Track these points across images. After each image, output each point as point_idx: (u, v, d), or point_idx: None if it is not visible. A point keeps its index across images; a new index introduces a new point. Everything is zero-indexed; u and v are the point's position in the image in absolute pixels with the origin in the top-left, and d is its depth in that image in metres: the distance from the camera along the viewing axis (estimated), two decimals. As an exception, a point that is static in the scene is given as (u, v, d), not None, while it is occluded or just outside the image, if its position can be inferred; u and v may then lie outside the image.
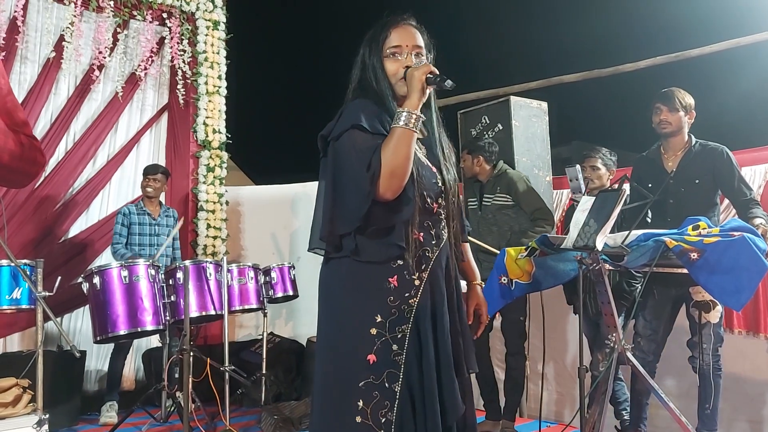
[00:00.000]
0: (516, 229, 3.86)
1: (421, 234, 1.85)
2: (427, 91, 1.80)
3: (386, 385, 1.74)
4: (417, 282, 1.82)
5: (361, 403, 1.73)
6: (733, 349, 3.52)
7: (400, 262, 1.81)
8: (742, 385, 3.58)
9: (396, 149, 1.73)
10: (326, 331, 1.87)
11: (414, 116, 1.76)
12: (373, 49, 1.92)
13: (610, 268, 2.77)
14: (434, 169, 1.92)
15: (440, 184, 1.91)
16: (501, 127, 4.49)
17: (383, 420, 1.72)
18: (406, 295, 1.80)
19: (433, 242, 1.87)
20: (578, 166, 2.90)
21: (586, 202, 2.62)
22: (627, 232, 2.54)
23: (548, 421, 4.28)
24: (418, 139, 1.89)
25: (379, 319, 1.78)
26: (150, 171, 4.85)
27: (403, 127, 1.74)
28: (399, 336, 1.77)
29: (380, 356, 1.76)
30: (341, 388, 1.78)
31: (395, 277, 1.80)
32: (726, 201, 3.49)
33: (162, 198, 4.99)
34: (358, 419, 1.73)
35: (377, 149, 1.75)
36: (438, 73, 1.80)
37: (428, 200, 1.87)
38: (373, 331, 1.77)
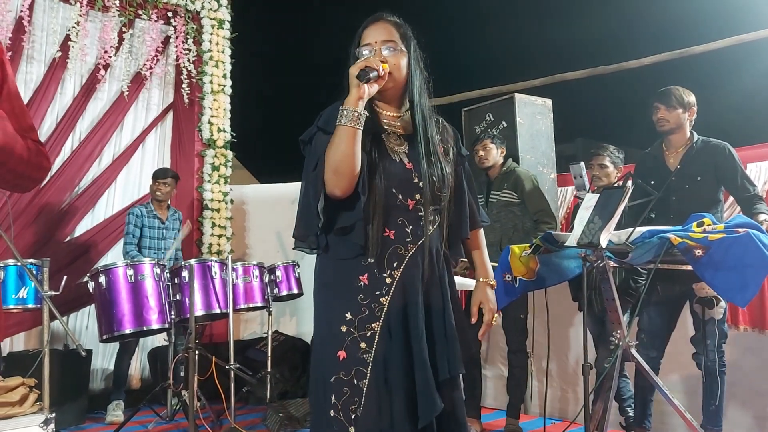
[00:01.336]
0: (519, 227, 3.85)
1: (393, 231, 1.82)
2: (365, 87, 1.74)
3: (354, 382, 1.75)
4: (388, 280, 1.80)
5: (333, 398, 1.75)
6: (738, 345, 3.52)
7: (370, 260, 1.80)
8: (748, 381, 3.57)
9: (336, 147, 1.74)
10: (313, 325, 1.91)
11: (353, 113, 1.73)
12: (353, 51, 1.93)
13: (615, 265, 2.77)
14: (409, 165, 1.85)
15: (416, 180, 1.84)
16: (505, 125, 4.48)
17: (353, 416, 1.73)
18: (377, 293, 1.79)
19: (408, 240, 1.83)
20: (582, 163, 2.91)
21: (590, 200, 2.63)
22: (631, 229, 2.53)
23: (553, 417, 4.28)
24: (400, 135, 1.90)
25: (348, 316, 1.78)
26: (160, 175, 4.82)
27: (344, 125, 1.73)
28: (368, 334, 1.77)
29: (349, 353, 1.77)
30: (319, 382, 1.81)
31: (366, 275, 1.80)
32: (730, 198, 3.48)
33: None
34: (332, 413, 1.75)
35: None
36: (375, 67, 1.75)
37: (400, 196, 1.83)
38: (343, 328, 1.78)
